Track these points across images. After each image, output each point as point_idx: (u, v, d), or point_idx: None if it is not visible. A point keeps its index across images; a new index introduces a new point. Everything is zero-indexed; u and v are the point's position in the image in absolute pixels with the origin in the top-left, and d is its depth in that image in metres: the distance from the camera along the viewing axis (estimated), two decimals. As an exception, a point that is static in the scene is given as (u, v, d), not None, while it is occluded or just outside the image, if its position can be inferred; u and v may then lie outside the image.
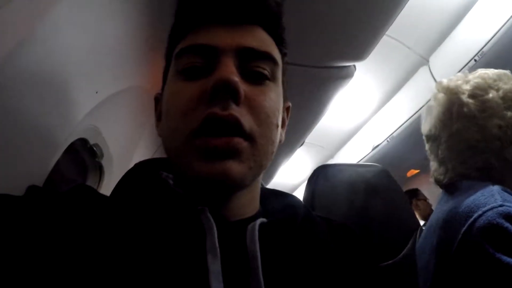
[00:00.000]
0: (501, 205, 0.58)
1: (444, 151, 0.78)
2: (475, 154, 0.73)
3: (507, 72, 0.80)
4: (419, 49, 1.97)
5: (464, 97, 0.75)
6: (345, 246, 0.53)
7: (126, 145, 1.23)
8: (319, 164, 3.32)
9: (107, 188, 1.11)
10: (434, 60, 1.95)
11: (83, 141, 0.91)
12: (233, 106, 0.43)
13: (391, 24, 1.01)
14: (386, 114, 2.31)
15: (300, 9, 0.94)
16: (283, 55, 0.54)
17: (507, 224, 0.55)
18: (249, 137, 0.44)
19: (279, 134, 0.51)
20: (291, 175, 3.56)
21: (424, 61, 2.01)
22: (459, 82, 0.79)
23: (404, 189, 0.97)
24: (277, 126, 0.49)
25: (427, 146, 0.85)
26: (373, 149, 2.37)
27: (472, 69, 1.64)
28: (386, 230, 0.89)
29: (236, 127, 0.43)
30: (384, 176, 0.97)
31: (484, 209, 0.59)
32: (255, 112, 0.45)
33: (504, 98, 0.74)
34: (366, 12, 0.98)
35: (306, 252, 0.47)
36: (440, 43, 1.89)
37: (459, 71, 1.68)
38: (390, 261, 0.84)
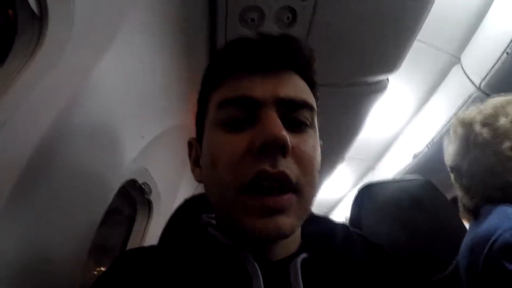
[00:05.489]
0: None
1: (467, 179, 0.86)
2: (494, 176, 0.80)
3: None
4: (449, 49, 1.91)
5: (478, 127, 0.84)
6: (380, 265, 0.55)
7: (172, 180, 1.29)
8: (360, 177, 3.23)
9: (156, 219, 1.19)
10: (466, 57, 1.88)
11: (133, 181, 0.97)
12: (281, 159, 0.44)
13: (419, 31, 1.01)
14: (424, 119, 2.23)
15: (331, 30, 0.97)
16: (316, 98, 0.55)
17: None
18: (296, 189, 0.45)
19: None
20: (332, 190, 3.50)
21: (455, 60, 1.94)
22: (473, 114, 0.88)
23: (451, 194, 0.97)
24: (318, 171, 0.50)
25: (452, 177, 0.92)
26: (414, 158, 2.29)
27: (505, 62, 1.58)
28: (434, 243, 0.88)
29: (284, 183, 0.44)
30: (428, 188, 0.96)
31: (500, 231, 0.66)
32: (301, 162, 0.46)
33: None
34: (393, 23, 0.99)
35: (347, 278, 0.48)
36: (469, 40, 1.83)
37: (493, 66, 1.61)
38: (440, 275, 0.83)
